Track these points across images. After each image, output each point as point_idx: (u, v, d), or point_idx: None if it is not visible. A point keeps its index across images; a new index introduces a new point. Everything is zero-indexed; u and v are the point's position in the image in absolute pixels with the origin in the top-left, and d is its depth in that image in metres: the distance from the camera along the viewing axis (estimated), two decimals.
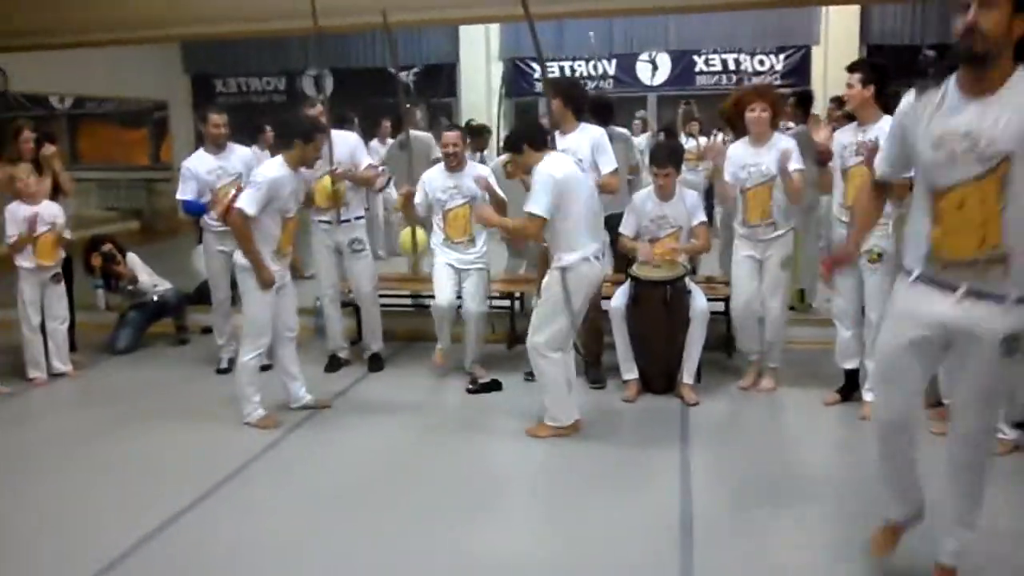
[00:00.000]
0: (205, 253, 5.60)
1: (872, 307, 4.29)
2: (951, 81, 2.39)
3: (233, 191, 5.30)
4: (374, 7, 5.27)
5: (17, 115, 10.28)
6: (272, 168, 4.43)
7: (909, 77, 3.83)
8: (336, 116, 5.58)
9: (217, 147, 5.38)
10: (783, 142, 4.63)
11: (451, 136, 5.20)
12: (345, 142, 5.41)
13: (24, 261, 5.31)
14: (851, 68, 4.30)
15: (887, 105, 4.17)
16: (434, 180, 5.22)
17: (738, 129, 4.99)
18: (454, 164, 5.14)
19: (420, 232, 5.82)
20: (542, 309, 4.23)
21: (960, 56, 2.32)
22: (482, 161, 7.01)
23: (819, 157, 4.64)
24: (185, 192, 5.35)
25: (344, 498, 3.67)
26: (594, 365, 5.13)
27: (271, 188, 4.34)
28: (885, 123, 4.12)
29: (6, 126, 5.85)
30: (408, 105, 5.71)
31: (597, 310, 5.03)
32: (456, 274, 5.18)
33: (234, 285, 5.56)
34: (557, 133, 4.82)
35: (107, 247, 6.22)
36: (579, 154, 4.71)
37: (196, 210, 5.39)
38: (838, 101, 6.04)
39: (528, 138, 4.24)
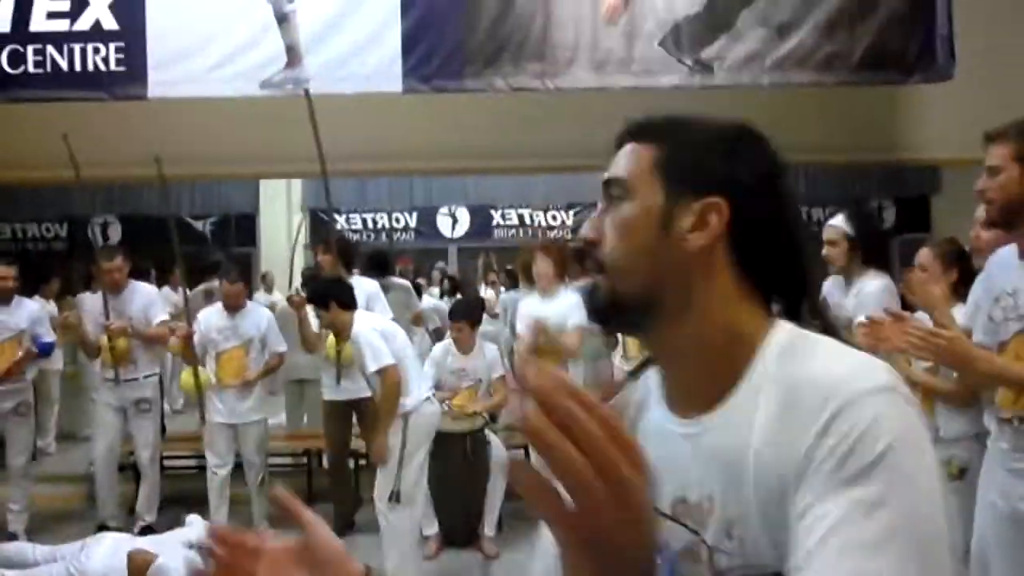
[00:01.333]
0: None
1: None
2: None
3: (20, 354, 4.93)
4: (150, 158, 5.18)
5: None
6: None
7: None
8: (134, 267, 5.34)
9: (1, 301, 4.97)
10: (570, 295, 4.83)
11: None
12: (141, 296, 5.22)
13: None
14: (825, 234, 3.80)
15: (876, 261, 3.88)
16: (210, 319, 5.06)
17: (532, 282, 5.22)
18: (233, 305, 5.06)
19: (201, 371, 5.55)
20: (385, 466, 4.10)
21: (987, 224, 2.41)
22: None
23: None
24: None
25: None
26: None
27: None
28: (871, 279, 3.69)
29: None
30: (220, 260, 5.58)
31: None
32: (231, 431, 4.97)
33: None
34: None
35: None
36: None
37: None
38: None
39: (336, 296, 4.18)
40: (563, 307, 4.75)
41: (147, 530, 5.14)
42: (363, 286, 5.00)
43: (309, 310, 4.99)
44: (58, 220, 12.95)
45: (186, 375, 5.01)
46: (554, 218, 13.39)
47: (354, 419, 5.13)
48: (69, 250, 12.50)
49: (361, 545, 4.86)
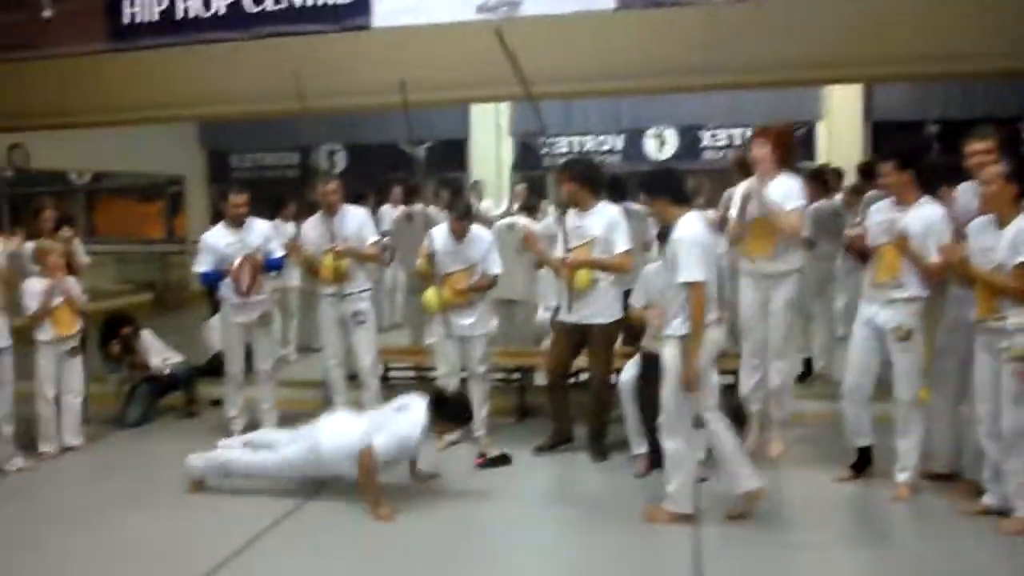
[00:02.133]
0: (222, 325, 5.69)
1: (903, 386, 4.22)
2: None
3: (236, 261, 5.44)
4: (389, 86, 5.42)
5: (38, 193, 10.52)
6: None
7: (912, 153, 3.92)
8: (351, 192, 5.73)
9: (236, 224, 5.52)
10: (788, 180, 4.71)
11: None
12: (355, 217, 5.57)
13: (42, 334, 5.37)
14: (882, 159, 4.27)
15: (929, 181, 4.16)
16: (438, 242, 5.29)
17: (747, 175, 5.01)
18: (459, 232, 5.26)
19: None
20: (667, 385, 4.02)
21: None
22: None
23: (850, 247, 4.57)
24: (202, 264, 5.50)
25: (353, 571, 3.62)
26: (597, 439, 5.13)
27: None
28: (925, 204, 4.13)
29: (27, 202, 6.01)
30: (417, 181, 5.84)
31: (603, 383, 5.07)
32: (458, 344, 5.23)
33: (248, 357, 5.67)
34: (573, 211, 4.97)
35: (126, 331, 6.30)
36: (593, 232, 4.86)
37: (212, 279, 5.51)
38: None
39: (670, 189, 4.06)
40: (781, 191, 4.65)
41: None
42: (606, 214, 5.01)
43: (538, 232, 5.16)
44: (290, 149, 13.99)
45: (429, 293, 5.27)
46: (750, 138, 12.72)
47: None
48: (301, 177, 13.49)
49: (579, 461, 5.04)
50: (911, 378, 4.16)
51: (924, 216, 4.13)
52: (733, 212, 4.90)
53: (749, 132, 12.55)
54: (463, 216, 5.30)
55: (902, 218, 4.18)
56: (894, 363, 4.25)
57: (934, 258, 4.07)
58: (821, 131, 12.31)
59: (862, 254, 4.40)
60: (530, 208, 7.22)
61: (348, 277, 5.48)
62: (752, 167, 4.84)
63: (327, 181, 5.62)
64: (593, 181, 5.05)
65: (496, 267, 5.33)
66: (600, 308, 5.03)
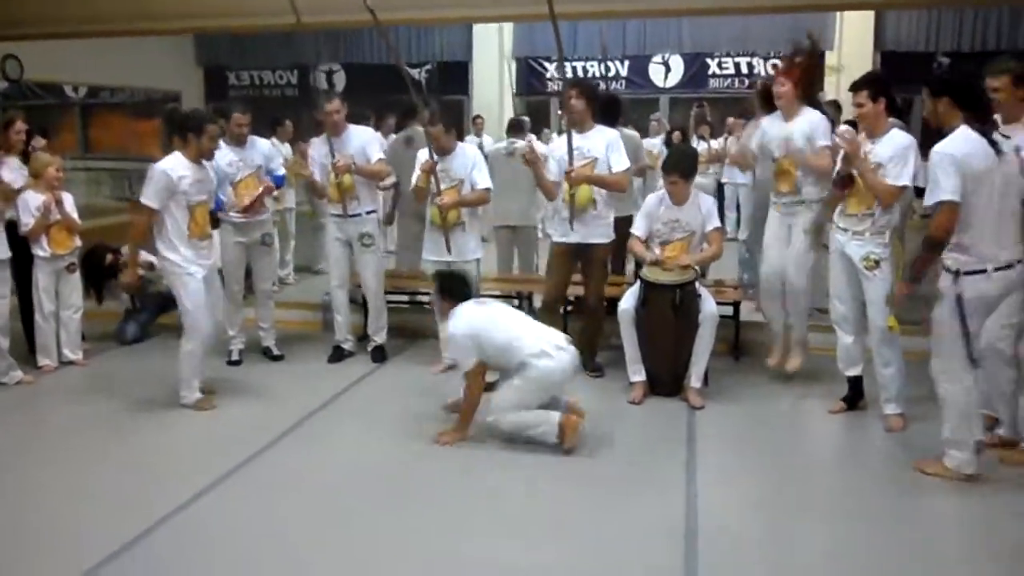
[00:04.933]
0: (221, 244, 5.62)
1: (874, 314, 4.27)
2: None
3: (260, 189, 5.40)
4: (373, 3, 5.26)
5: (33, 106, 10.34)
6: (166, 161, 4.57)
7: (922, 84, 3.85)
8: (353, 112, 5.60)
9: (238, 142, 5.44)
10: (812, 114, 4.72)
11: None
12: (359, 136, 5.47)
13: (39, 249, 5.34)
14: (856, 87, 4.24)
15: (898, 112, 4.18)
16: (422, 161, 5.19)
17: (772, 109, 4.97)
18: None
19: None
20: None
21: None
22: None
23: (841, 181, 4.53)
24: None
25: (345, 499, 3.67)
26: (591, 356, 5.21)
27: (160, 178, 4.49)
28: (894, 133, 4.17)
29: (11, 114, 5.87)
30: (417, 103, 5.68)
31: (600, 302, 5.21)
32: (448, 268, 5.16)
33: (248, 276, 5.66)
34: (574, 132, 4.92)
35: (111, 259, 6.23)
36: (594, 153, 4.85)
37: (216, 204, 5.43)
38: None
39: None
40: (805, 126, 4.65)
41: (378, 350, 5.65)
42: (605, 135, 5.02)
43: (545, 155, 5.10)
44: (289, 68, 13.73)
45: (433, 210, 5.20)
46: (775, 67, 12.48)
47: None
48: (300, 96, 13.28)
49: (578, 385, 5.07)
50: (881, 307, 4.18)
51: (891, 146, 4.14)
52: (753, 145, 5.02)
53: (757, 61, 12.47)
54: (448, 129, 5.20)
55: (873, 148, 4.18)
56: (864, 292, 4.28)
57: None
58: (830, 61, 12.09)
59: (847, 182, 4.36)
60: (517, 128, 7.05)
61: (353, 196, 5.41)
62: (776, 100, 4.78)
63: (330, 99, 5.47)
64: (597, 102, 5.09)
65: (484, 181, 5.22)
66: (599, 228, 5.06)
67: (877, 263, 4.22)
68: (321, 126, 5.55)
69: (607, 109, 5.48)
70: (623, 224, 5.23)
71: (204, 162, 4.74)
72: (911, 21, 11.73)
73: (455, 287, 4.40)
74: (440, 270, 4.87)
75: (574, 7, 5.46)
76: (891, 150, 4.14)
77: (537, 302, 5.78)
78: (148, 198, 4.50)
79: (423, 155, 5.20)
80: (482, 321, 4.19)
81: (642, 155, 6.94)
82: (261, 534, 3.33)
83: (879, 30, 11.81)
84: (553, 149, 5.32)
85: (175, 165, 4.56)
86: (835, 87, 11.21)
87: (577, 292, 5.40)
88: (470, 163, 5.22)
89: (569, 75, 12.56)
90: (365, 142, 5.49)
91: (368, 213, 5.52)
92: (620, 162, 4.99)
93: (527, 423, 4.09)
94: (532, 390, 4.10)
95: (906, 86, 4.17)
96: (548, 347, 4.09)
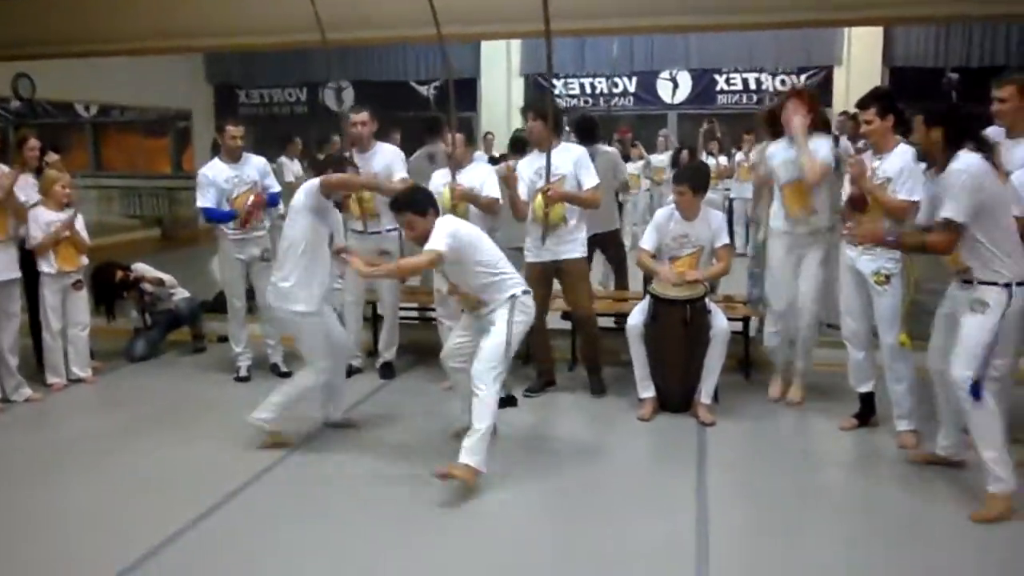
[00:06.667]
0: (221, 261, 5.63)
1: (885, 330, 4.23)
2: None
3: (251, 198, 5.39)
4: (404, 18, 5.28)
5: (37, 125, 10.42)
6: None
7: (930, 100, 3.84)
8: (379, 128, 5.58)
9: (233, 157, 5.44)
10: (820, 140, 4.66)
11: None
12: (384, 155, 5.45)
13: (46, 266, 5.35)
14: (864, 104, 4.22)
15: (905, 130, 4.15)
16: (436, 178, 5.19)
17: (777, 134, 4.93)
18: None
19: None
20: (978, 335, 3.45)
21: None
22: None
23: (853, 202, 4.49)
24: (205, 200, 5.42)
25: (355, 512, 3.66)
26: (595, 373, 5.19)
27: None
28: (902, 148, 4.13)
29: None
30: (438, 118, 5.70)
31: (589, 317, 5.20)
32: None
33: (250, 294, 5.65)
34: (535, 151, 5.04)
35: (122, 275, 6.24)
36: (562, 170, 4.93)
37: (220, 217, 5.44)
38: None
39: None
40: (822, 152, 4.58)
41: (386, 367, 5.63)
42: (572, 152, 5.02)
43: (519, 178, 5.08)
44: (298, 85, 13.83)
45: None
46: (783, 83, 12.51)
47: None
48: (309, 113, 13.35)
49: (559, 403, 5.05)
50: (892, 323, 4.15)
51: (899, 160, 4.11)
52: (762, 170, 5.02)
53: (765, 77, 12.49)
54: (469, 140, 5.23)
55: (880, 165, 4.17)
56: (875, 307, 4.24)
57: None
58: (838, 77, 12.10)
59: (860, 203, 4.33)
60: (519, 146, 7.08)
61: (372, 213, 5.39)
62: (784, 127, 4.71)
63: (358, 110, 5.42)
64: (556, 121, 5.06)
65: (494, 191, 5.09)
66: (571, 243, 5.03)
67: (888, 278, 4.18)
68: (327, 143, 5.55)
69: (583, 128, 5.53)
70: (601, 239, 5.25)
71: None
72: (920, 37, 11.75)
73: (419, 197, 4.09)
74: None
75: (570, 24, 5.47)
76: (899, 164, 4.11)
77: None
78: None
79: (440, 175, 5.20)
80: (469, 235, 4.01)
81: (621, 171, 6.96)
82: (264, 553, 3.30)
83: (888, 45, 11.83)
84: (520, 170, 5.24)
85: None
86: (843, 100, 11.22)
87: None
88: (482, 176, 5.15)
89: (576, 91, 12.66)
90: (391, 160, 5.43)
91: (388, 231, 5.51)
92: (589, 178, 4.97)
93: (495, 399, 3.91)
94: (522, 333, 4.04)
95: (915, 102, 4.14)
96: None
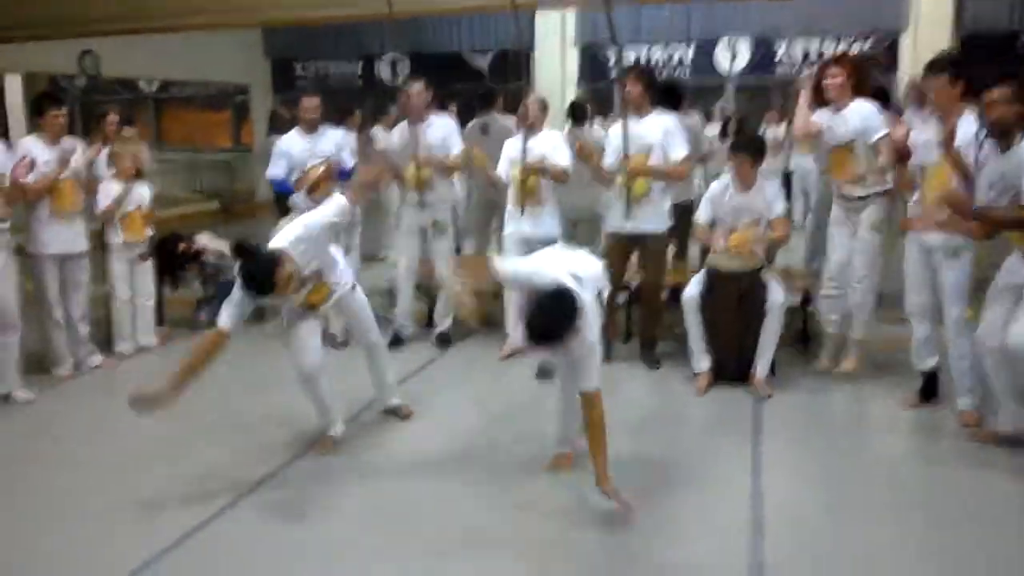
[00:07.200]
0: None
1: (952, 303, 4.09)
2: None
3: (322, 168, 5.42)
4: None
5: (109, 101, 10.70)
6: None
7: (1004, 66, 3.68)
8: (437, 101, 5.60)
9: (310, 129, 5.50)
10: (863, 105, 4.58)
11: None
12: (441, 126, 5.47)
13: (113, 237, 5.53)
14: (932, 70, 4.04)
15: (977, 94, 4.00)
16: (510, 146, 5.25)
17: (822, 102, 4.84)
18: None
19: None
20: None
21: None
22: None
23: (898, 154, 4.43)
24: (275, 168, 5.54)
25: (405, 493, 3.69)
26: (650, 348, 5.16)
27: None
28: (967, 118, 3.95)
29: (98, 109, 6.11)
30: (492, 89, 5.69)
31: (657, 292, 5.14)
32: (526, 248, 4.99)
33: None
34: (632, 118, 4.86)
35: (184, 247, 6.38)
36: (649, 139, 4.82)
37: (283, 189, 5.54)
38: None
39: None
40: (857, 119, 4.53)
41: (443, 337, 5.68)
42: (662, 119, 4.94)
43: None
44: (353, 59, 13.90)
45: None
46: (823, 60, 12.12)
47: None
48: (364, 86, 13.42)
49: (612, 375, 5.03)
50: (959, 297, 4.02)
51: (963, 130, 3.91)
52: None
53: (827, 44, 12.12)
54: (543, 109, 5.23)
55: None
56: (941, 280, 4.10)
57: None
58: (906, 43, 11.69)
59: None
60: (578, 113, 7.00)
61: (430, 186, 5.44)
62: (825, 93, 4.65)
63: (412, 82, 5.44)
64: (653, 87, 4.99)
65: (564, 159, 5.11)
66: (655, 216, 4.99)
67: (956, 252, 4.05)
68: (382, 116, 5.58)
69: (668, 95, 5.42)
70: (683, 211, 5.16)
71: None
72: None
73: None
74: None
75: None
76: (966, 133, 3.96)
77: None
78: None
79: (511, 143, 5.21)
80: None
81: (702, 142, 6.83)
82: (317, 532, 3.38)
83: (959, 8, 11.37)
84: (608, 138, 5.22)
85: None
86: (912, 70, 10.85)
87: (636, 280, 5.33)
88: (551, 145, 5.14)
89: (631, 61, 12.46)
90: (447, 133, 5.46)
91: (442, 202, 5.54)
92: (678, 149, 4.89)
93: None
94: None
95: (987, 69, 3.96)
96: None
